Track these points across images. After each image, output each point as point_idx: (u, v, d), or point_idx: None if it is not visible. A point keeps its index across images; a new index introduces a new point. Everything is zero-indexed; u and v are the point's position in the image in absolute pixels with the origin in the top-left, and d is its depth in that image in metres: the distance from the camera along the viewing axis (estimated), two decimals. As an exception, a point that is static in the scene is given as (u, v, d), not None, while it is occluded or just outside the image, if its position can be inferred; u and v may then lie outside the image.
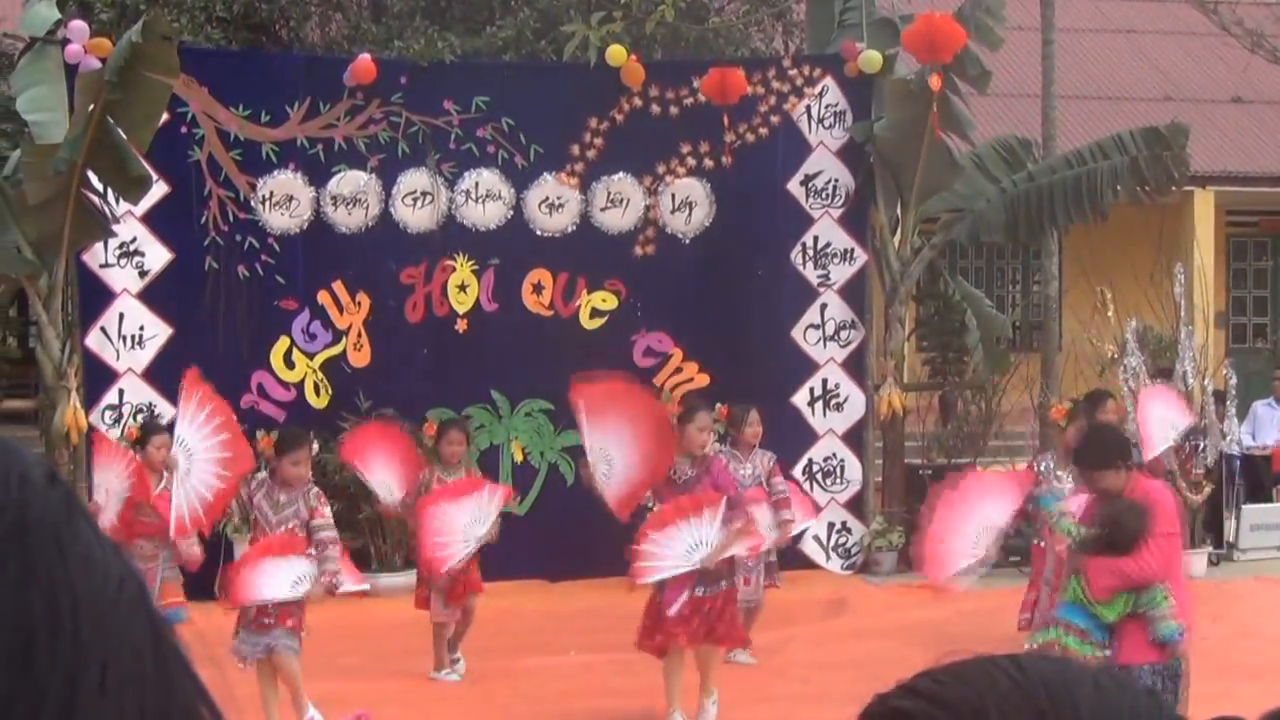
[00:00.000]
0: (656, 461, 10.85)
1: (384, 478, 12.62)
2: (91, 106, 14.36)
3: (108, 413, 16.15)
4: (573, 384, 11.51)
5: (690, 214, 17.68)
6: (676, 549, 10.62)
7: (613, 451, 10.91)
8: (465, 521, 12.24)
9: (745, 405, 13.36)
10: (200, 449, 11.37)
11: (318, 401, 16.72)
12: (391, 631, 12.04)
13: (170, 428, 12.63)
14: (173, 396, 15.93)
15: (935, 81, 16.90)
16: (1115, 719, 1.04)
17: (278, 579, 10.59)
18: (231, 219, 16.62)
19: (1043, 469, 12.47)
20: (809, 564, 17.29)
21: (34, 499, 0.96)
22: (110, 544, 0.99)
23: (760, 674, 12.64)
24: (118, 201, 15.66)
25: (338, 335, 16.92)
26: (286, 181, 16.79)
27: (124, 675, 0.94)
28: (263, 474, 11.17)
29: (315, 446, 15.88)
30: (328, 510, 11.02)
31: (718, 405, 13.31)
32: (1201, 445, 17.47)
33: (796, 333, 17.90)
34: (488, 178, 17.25)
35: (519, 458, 16.99)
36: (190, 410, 11.55)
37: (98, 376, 16.16)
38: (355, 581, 11.52)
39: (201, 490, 11.35)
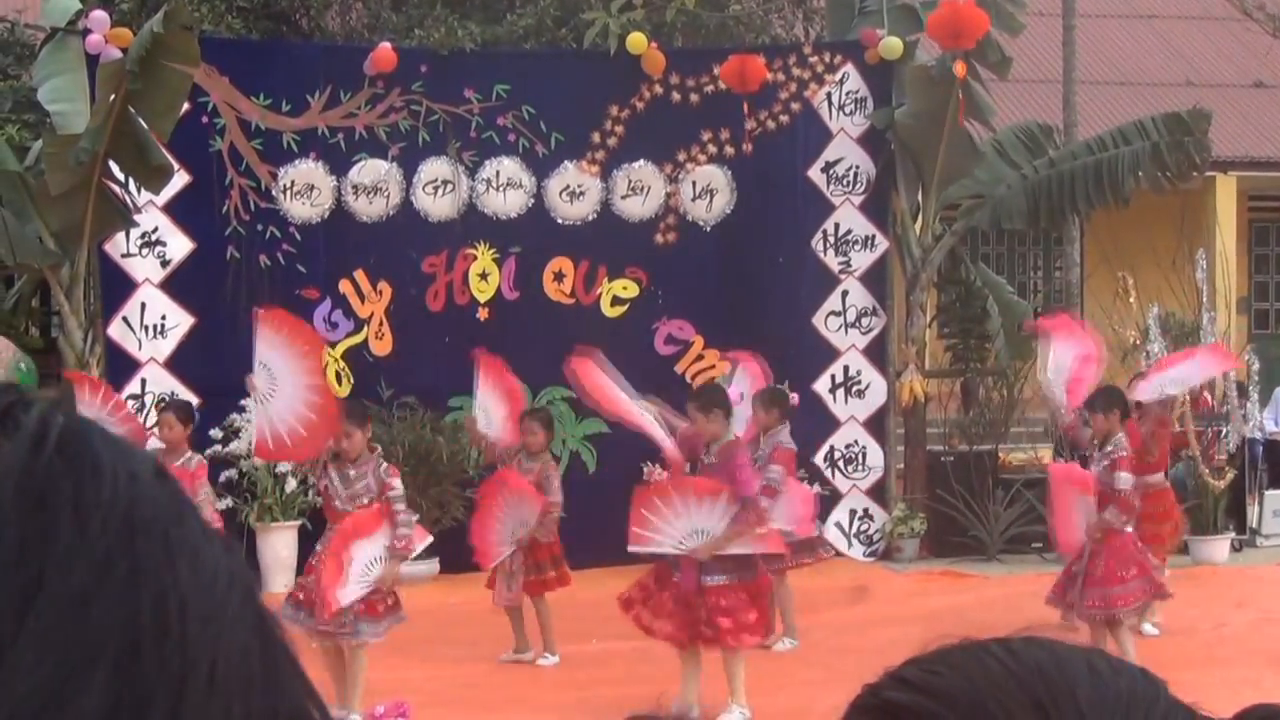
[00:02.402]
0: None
1: (491, 406, 12.76)
2: (113, 96, 14.39)
3: (130, 402, 16.14)
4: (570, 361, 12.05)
5: (711, 201, 17.68)
6: (677, 529, 10.59)
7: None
8: (512, 524, 12.43)
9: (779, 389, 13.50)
10: (288, 375, 11.12)
11: (339, 390, 16.64)
12: (414, 618, 12.03)
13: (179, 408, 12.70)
14: (194, 385, 16.04)
15: (960, 68, 16.87)
16: (1113, 702, 1.03)
17: (355, 573, 10.64)
18: (253, 208, 16.65)
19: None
20: (831, 550, 17.27)
21: (143, 496, 0.96)
22: (220, 540, 0.99)
23: (781, 661, 12.64)
24: (139, 191, 15.69)
25: (359, 324, 16.95)
26: (308, 171, 16.82)
27: (232, 675, 0.94)
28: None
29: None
30: (397, 481, 11.05)
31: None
32: (1224, 431, 17.46)
33: (818, 320, 17.89)
34: (508, 166, 17.25)
35: (541, 446, 17.00)
36: (277, 339, 11.31)
37: (120, 366, 16.21)
38: (422, 538, 11.61)
39: (290, 419, 10.91)
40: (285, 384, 10.99)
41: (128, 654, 0.90)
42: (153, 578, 0.93)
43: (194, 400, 16.12)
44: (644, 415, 11.23)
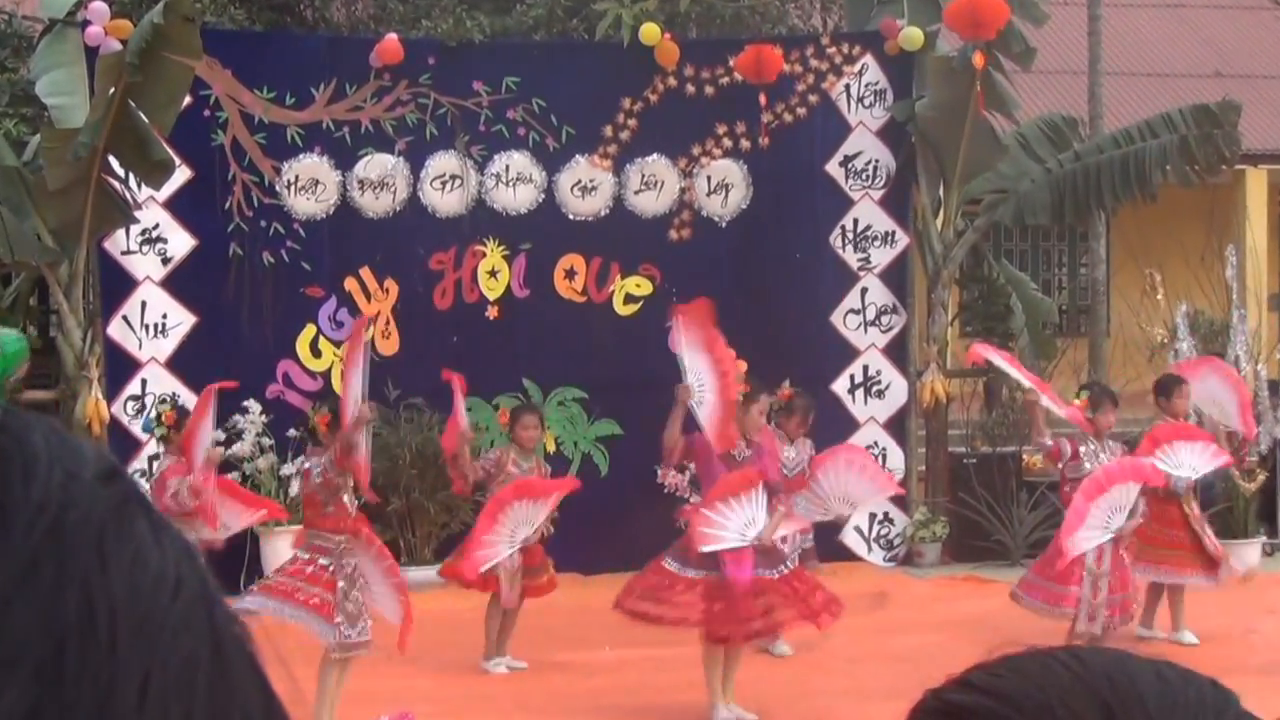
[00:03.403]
0: (726, 411, 11.10)
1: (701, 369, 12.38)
2: (112, 90, 14.40)
3: (130, 403, 16.21)
4: (675, 309, 12.03)
5: (726, 196, 17.68)
6: (735, 523, 10.79)
7: (706, 382, 11.23)
8: (517, 522, 12.45)
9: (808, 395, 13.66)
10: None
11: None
12: (423, 625, 12.03)
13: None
14: (196, 386, 16.04)
15: (979, 59, 16.85)
16: (1181, 709, 1.04)
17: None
18: (256, 204, 16.67)
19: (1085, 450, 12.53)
20: (850, 556, 17.28)
21: (78, 498, 0.94)
22: (179, 545, 0.97)
23: (799, 668, 12.64)
24: (139, 187, 15.70)
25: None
26: (312, 165, 16.83)
27: (170, 685, 0.92)
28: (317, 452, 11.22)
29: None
30: None
31: (785, 383, 13.62)
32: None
33: (836, 318, 17.89)
34: (518, 160, 17.26)
35: (551, 448, 16.91)
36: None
37: (120, 366, 16.24)
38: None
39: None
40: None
41: (50, 660, 0.89)
42: (81, 582, 0.91)
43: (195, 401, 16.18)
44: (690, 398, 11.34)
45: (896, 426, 18.02)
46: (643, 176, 17.50)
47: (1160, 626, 13.71)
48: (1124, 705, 1.03)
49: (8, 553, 0.91)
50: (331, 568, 10.84)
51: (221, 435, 15.83)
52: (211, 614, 0.97)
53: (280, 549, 15.62)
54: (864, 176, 17.94)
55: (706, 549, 10.96)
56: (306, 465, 11.21)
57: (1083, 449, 12.46)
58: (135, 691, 0.91)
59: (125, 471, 1.00)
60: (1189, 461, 13.24)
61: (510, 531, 12.46)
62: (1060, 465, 12.71)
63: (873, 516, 17.64)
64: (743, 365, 11.68)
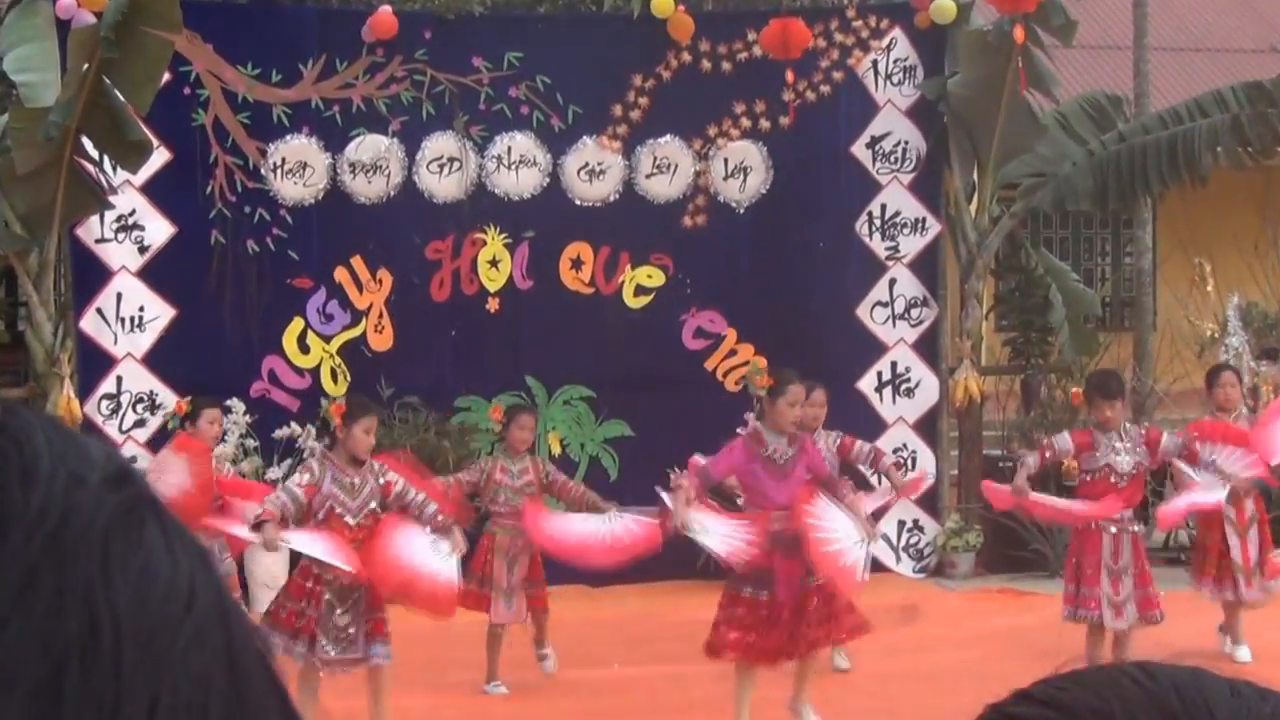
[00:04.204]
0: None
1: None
2: (86, 66, 14.41)
3: (104, 402, 16.24)
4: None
5: (745, 181, 17.68)
6: (843, 531, 10.83)
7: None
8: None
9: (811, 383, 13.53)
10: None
11: (335, 389, 16.73)
12: (417, 642, 12.05)
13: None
14: (175, 383, 16.08)
15: (1019, 33, 16.85)
16: None
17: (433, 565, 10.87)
18: (239, 189, 16.68)
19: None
20: (877, 566, 17.26)
21: (83, 504, 0.93)
22: (194, 555, 0.96)
23: (827, 688, 12.60)
24: (115, 170, 15.70)
25: (356, 316, 16.99)
26: (300, 147, 16.85)
27: (179, 709, 0.91)
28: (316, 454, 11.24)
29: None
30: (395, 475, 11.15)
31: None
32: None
33: (862, 311, 17.89)
34: (521, 142, 17.27)
35: (556, 450, 16.95)
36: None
37: (93, 362, 16.26)
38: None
39: None
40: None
41: (48, 682, 0.88)
42: (83, 597, 0.90)
43: (174, 400, 16.20)
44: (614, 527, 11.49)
45: (927, 427, 18.02)
46: (654, 159, 17.50)
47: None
48: (1191, 716, 1.04)
49: (4, 565, 0.90)
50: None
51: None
52: (228, 629, 0.96)
53: (265, 560, 15.66)
54: (892, 159, 17.93)
55: (849, 572, 10.97)
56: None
57: (1095, 439, 12.45)
58: (141, 716, 0.90)
59: (137, 474, 0.99)
60: (1224, 465, 13.26)
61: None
62: (1065, 462, 12.77)
63: (901, 524, 17.62)
64: (762, 361, 11.69)
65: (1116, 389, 12.62)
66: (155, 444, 15.70)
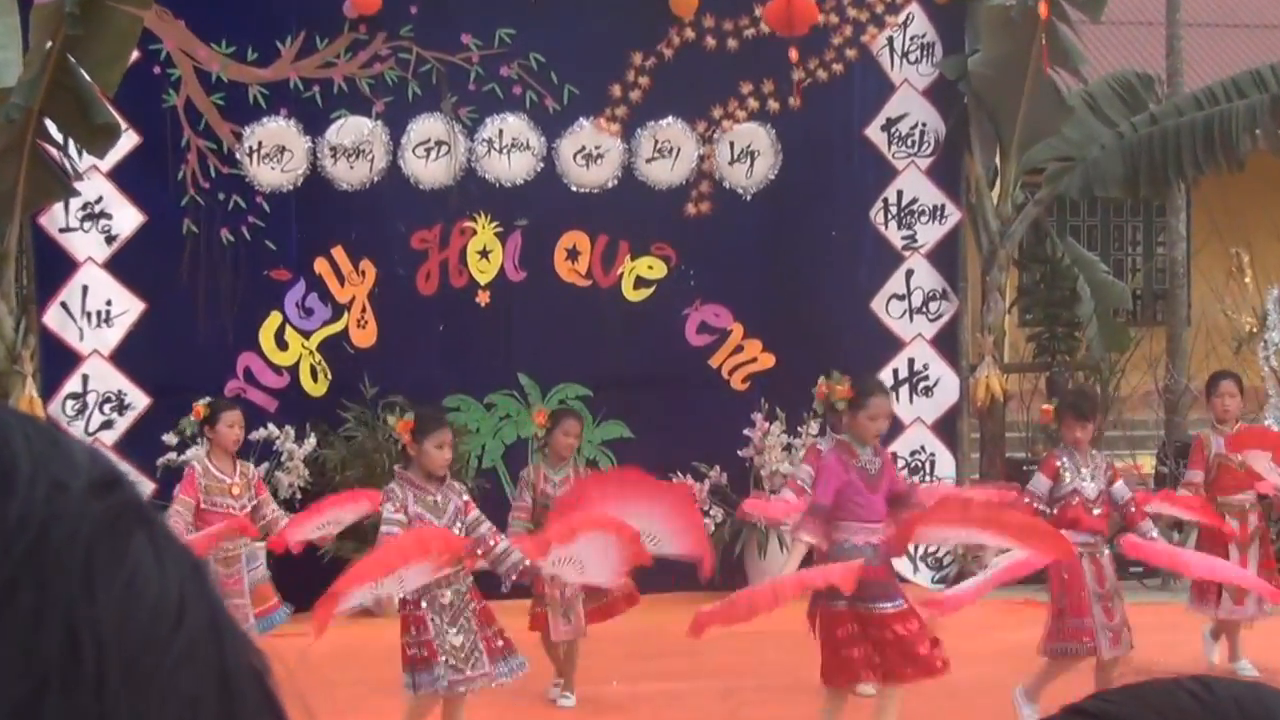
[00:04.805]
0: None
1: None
2: (49, 44, 14.39)
3: (70, 402, 16.21)
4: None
5: (752, 166, 17.67)
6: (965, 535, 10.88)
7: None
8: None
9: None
10: None
11: (315, 388, 16.74)
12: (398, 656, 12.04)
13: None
14: (145, 382, 16.06)
15: (1042, 8, 16.83)
16: None
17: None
18: (213, 174, 16.65)
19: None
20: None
21: (65, 512, 0.92)
22: (185, 567, 0.96)
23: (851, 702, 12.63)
24: (80, 155, 15.69)
25: (338, 310, 16.97)
26: (277, 130, 16.83)
27: None
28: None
29: (314, 440, 16.03)
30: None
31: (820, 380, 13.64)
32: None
33: (877, 305, 17.89)
34: (513, 124, 17.26)
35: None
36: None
37: (57, 360, 16.23)
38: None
39: None
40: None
41: (27, 704, 0.87)
42: (64, 614, 0.90)
43: (144, 400, 16.19)
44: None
45: (946, 428, 18.02)
46: (656, 142, 17.50)
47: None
48: None
49: None
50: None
51: (173, 439, 15.85)
52: (221, 647, 0.95)
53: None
54: (909, 142, 17.94)
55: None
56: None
57: (1060, 464, 12.38)
58: None
59: (125, 479, 0.98)
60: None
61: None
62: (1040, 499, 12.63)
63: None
64: (846, 380, 11.66)
65: (1090, 409, 12.59)
66: (123, 447, 15.74)
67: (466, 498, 11.06)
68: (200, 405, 13.03)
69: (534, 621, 12.75)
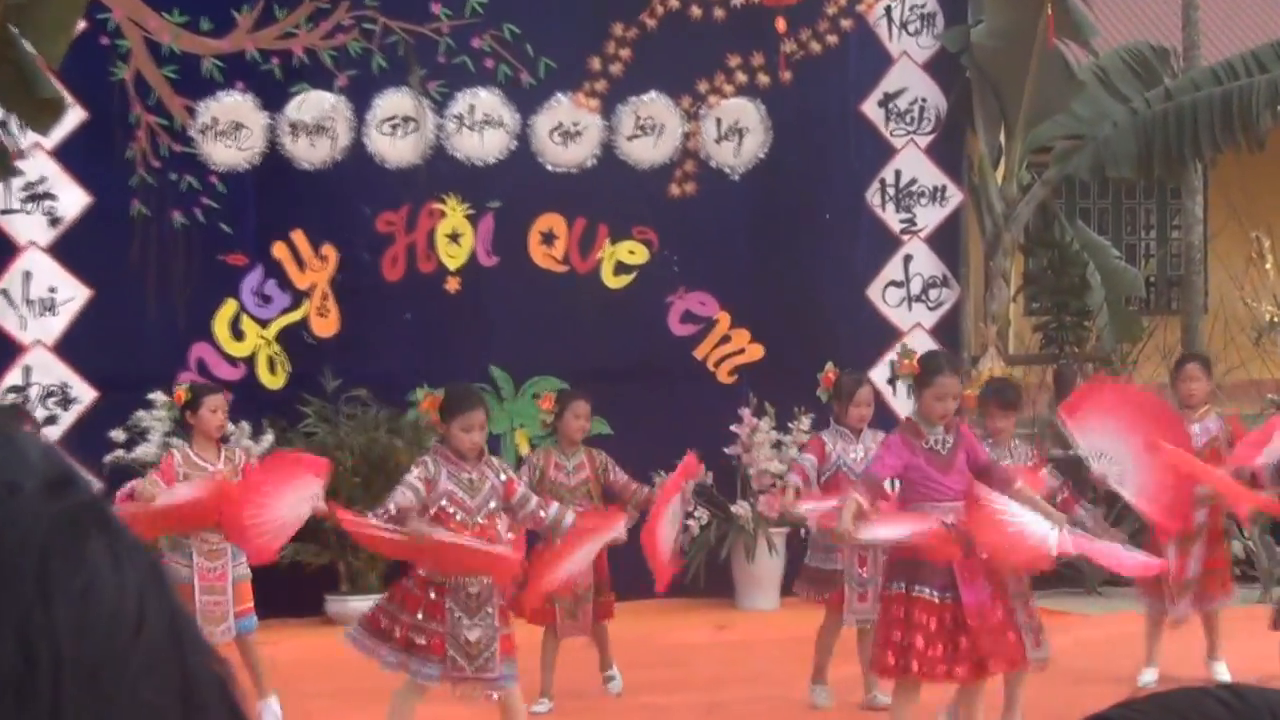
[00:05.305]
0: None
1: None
2: (-12, 12, 14.30)
3: (11, 395, 16.12)
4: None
5: (740, 143, 17.67)
6: (1024, 513, 10.82)
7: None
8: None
9: (857, 376, 13.63)
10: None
11: (272, 380, 16.72)
12: (361, 665, 11.99)
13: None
14: (91, 374, 15.96)
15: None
16: None
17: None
18: (164, 153, 16.60)
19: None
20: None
21: (17, 517, 0.91)
22: (144, 571, 0.95)
23: (847, 714, 12.58)
24: (22, 131, 15.59)
25: (297, 298, 16.96)
26: (233, 105, 16.79)
27: None
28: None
29: (271, 437, 15.93)
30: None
31: (828, 366, 13.55)
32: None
33: (874, 292, 17.89)
34: (485, 99, 17.24)
35: (525, 450, 16.85)
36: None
37: (-2, 350, 16.19)
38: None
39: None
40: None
41: None
42: (18, 623, 0.90)
43: (90, 394, 16.09)
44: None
45: (947, 424, 17.95)
46: (637, 119, 17.51)
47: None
48: None
49: None
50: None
51: (121, 436, 15.74)
52: (181, 654, 0.95)
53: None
54: (908, 119, 17.95)
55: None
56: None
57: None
58: None
59: (81, 479, 0.98)
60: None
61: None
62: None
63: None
64: (914, 355, 11.69)
65: (1014, 399, 12.77)
66: (69, 442, 15.60)
67: (506, 477, 11.09)
68: (181, 389, 13.05)
69: (538, 615, 12.81)
